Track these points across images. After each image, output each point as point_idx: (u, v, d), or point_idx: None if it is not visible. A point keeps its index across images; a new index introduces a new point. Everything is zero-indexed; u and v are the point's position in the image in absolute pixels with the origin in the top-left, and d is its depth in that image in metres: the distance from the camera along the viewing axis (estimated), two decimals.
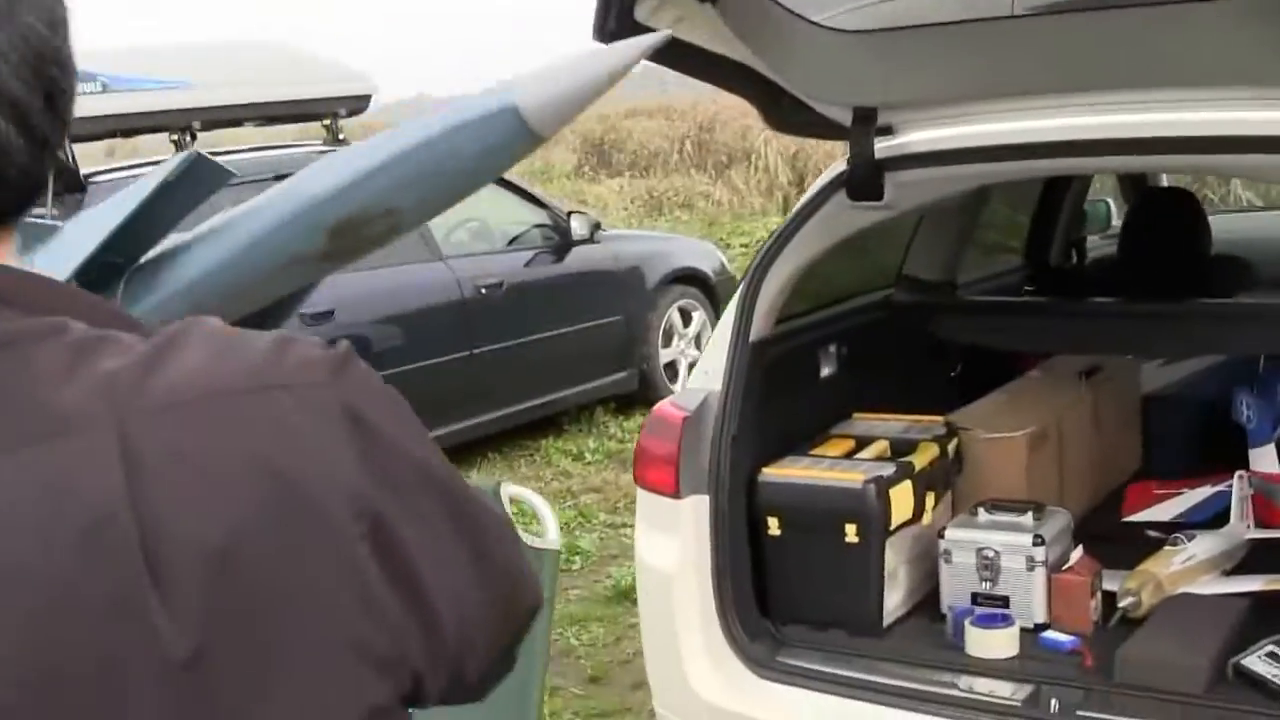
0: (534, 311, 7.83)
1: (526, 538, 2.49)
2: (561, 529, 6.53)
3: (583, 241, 8.14)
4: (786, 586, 3.41)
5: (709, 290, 8.81)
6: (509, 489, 2.53)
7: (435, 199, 1.44)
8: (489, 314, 7.59)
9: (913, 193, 3.27)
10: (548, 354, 7.88)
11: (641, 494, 3.43)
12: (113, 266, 1.46)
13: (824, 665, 3.22)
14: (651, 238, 10.07)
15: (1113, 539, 3.72)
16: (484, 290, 7.56)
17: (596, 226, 8.34)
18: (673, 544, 3.31)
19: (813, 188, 3.36)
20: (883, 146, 3.17)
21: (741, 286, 3.35)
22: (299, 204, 1.42)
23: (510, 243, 8.17)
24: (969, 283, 4.61)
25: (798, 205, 3.38)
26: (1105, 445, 4.16)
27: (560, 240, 8.13)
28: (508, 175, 8.74)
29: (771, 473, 3.38)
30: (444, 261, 7.52)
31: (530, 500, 2.53)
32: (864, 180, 3.20)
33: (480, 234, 8.22)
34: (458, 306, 7.48)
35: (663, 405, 3.39)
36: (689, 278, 8.84)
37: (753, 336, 3.31)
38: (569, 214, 8.27)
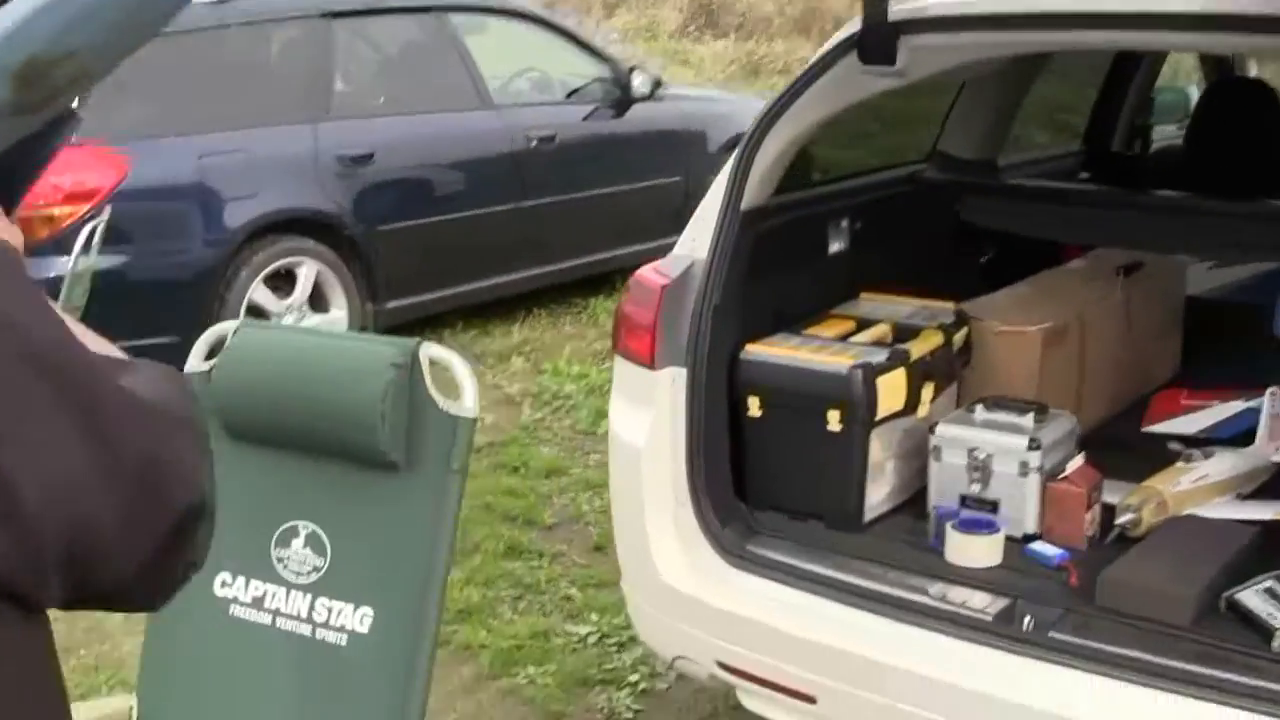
0: (589, 167, 7.58)
1: (444, 404, 2.31)
2: (594, 392, 6.42)
3: (644, 98, 7.85)
4: (765, 472, 3.21)
5: None
6: (429, 349, 2.34)
7: (112, 38, 1.24)
8: (540, 166, 7.34)
9: (928, 59, 2.98)
10: (602, 211, 7.64)
11: (619, 362, 3.24)
12: None
13: (794, 559, 3.02)
14: (718, 99, 9.70)
15: (1129, 449, 3.47)
16: (535, 142, 7.31)
17: (658, 84, 8.02)
18: (645, 418, 3.11)
19: (822, 48, 3.09)
20: (899, 8, 2.89)
21: (736, 150, 3.10)
22: None
23: (569, 96, 7.90)
24: (1013, 165, 4.30)
25: (805, 66, 3.11)
26: (1136, 348, 3.88)
27: (621, 95, 7.85)
28: (571, 28, 8.45)
29: (754, 350, 3.16)
30: (495, 110, 7.28)
31: (450, 363, 2.33)
32: (876, 43, 2.92)
33: (540, 85, 7.94)
34: (507, 157, 7.23)
35: (644, 271, 3.18)
36: None
37: (745, 204, 3.08)
38: (631, 69, 7.97)
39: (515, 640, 4.17)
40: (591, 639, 4.17)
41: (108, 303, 6.15)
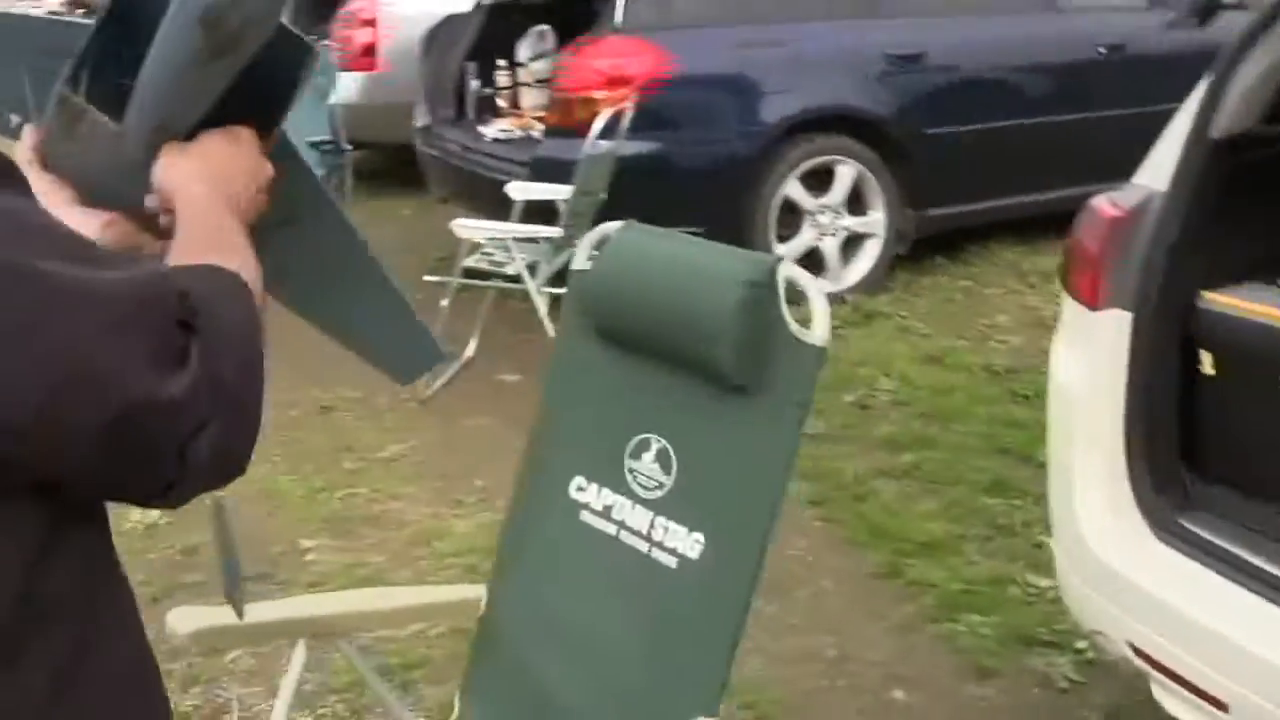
0: (1160, 80, 6.96)
1: (796, 329, 2.12)
2: None
3: (1233, 6, 7.12)
4: (1219, 440, 2.82)
5: None
6: (786, 269, 2.15)
7: None
8: (1106, 77, 6.84)
9: None
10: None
11: (1065, 299, 2.92)
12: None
13: (1232, 544, 2.62)
14: None
15: None
16: (1103, 50, 6.81)
17: None
18: (1083, 362, 2.80)
19: None
20: None
21: (1213, 68, 2.69)
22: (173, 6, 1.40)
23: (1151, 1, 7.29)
24: None
25: None
26: None
27: (1206, 2, 7.16)
28: None
29: (1213, 298, 2.76)
30: (1060, 14, 6.83)
31: (805, 286, 2.13)
32: None
33: None
34: (1069, 66, 6.80)
35: (1098, 199, 2.84)
36: None
37: (1221, 132, 2.68)
38: None
39: (968, 584, 3.93)
40: (1050, 594, 3.84)
41: (640, 187, 6.23)
